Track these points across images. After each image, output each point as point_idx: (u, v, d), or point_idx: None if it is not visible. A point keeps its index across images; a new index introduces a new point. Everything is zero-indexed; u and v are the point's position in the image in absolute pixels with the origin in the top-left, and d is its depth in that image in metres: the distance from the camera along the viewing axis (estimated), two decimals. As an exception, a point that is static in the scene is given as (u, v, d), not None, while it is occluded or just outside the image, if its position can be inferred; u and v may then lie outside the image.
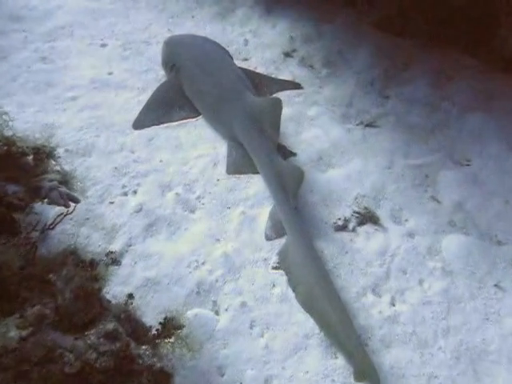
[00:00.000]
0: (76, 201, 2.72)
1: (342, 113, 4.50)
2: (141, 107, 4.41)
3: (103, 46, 5.17)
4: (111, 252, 2.96)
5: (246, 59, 5.28)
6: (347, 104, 4.61)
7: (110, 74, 4.80)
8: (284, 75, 5.03)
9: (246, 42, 5.47)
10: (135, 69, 4.93)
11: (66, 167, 3.54)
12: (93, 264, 1.99)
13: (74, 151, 3.96)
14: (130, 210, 3.56)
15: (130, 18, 5.66)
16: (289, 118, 4.42)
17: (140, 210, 3.57)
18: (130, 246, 3.35)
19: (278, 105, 3.60)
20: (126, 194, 3.69)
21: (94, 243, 3.30)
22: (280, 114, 3.63)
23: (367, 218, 3.50)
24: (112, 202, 3.61)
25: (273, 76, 4.98)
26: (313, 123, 4.38)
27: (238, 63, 4.94)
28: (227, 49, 5.16)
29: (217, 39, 5.21)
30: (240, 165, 3.94)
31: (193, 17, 5.87)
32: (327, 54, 5.30)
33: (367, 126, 4.30)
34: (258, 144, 3.71)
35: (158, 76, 4.88)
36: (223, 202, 3.72)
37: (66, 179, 2.71)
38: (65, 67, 4.79)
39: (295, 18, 5.86)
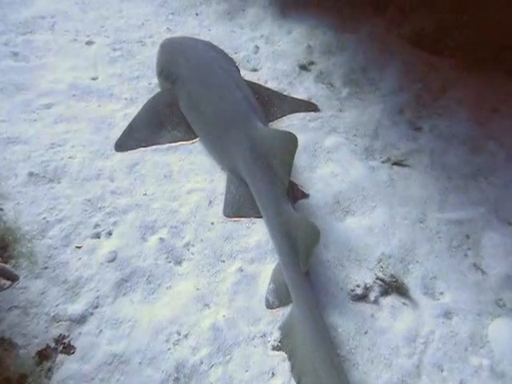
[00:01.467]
0: (13, 278, 2.09)
1: (365, 145, 3.88)
2: (127, 123, 3.80)
3: (89, 43, 4.55)
4: (62, 338, 2.32)
5: (255, 69, 4.66)
6: (372, 135, 3.99)
7: (93, 78, 4.17)
8: (298, 93, 4.40)
9: (257, 49, 4.85)
10: (124, 74, 4.30)
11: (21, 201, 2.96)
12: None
13: (39, 175, 3.34)
14: (102, 258, 2.95)
15: (124, 11, 5.04)
16: (302, 148, 3.80)
17: (113, 258, 2.96)
18: (97, 307, 2.74)
19: (292, 142, 3.00)
20: (98, 236, 3.07)
21: (50, 302, 2.69)
22: (294, 153, 3.04)
23: (393, 287, 2.91)
24: (79, 247, 3.00)
25: (285, 93, 4.34)
26: (330, 157, 3.76)
27: (246, 74, 4.37)
28: (234, 56, 4.57)
29: (223, 44, 4.63)
30: (240, 206, 3.33)
31: (197, 14, 5.24)
32: (349, 71, 4.69)
33: (395, 164, 3.70)
34: (265, 186, 3.10)
35: (150, 85, 4.25)
36: (217, 253, 3.11)
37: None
38: (40, 67, 4.16)
39: (314, 23, 5.25)
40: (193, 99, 3.72)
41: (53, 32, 4.55)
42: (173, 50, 4.09)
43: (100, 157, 3.61)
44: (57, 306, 2.73)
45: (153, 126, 3.84)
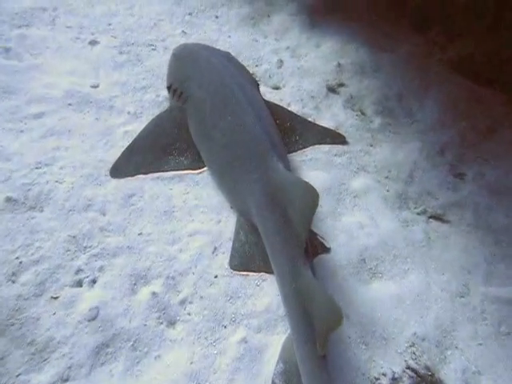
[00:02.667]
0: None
1: (398, 191, 3.41)
2: (127, 143, 3.34)
3: (93, 43, 4.07)
4: None
5: (277, 87, 4.18)
6: (406, 178, 3.51)
7: (94, 86, 3.70)
8: (325, 119, 3.93)
9: (281, 63, 4.36)
10: (129, 83, 3.82)
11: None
12: None
13: (19, 200, 2.90)
14: (80, 314, 2.50)
15: (136, 8, 4.56)
16: (326, 190, 3.33)
17: (95, 316, 2.51)
18: (67, 380, 2.29)
19: (313, 198, 2.53)
20: (79, 284, 2.63)
21: (9, 369, 2.25)
22: (314, 210, 2.58)
23: (427, 381, 2.41)
24: (55, 298, 2.56)
25: (310, 119, 3.83)
26: (357, 202, 3.29)
27: (267, 92, 3.92)
28: (255, 69, 4.18)
29: (243, 54, 4.19)
30: (249, 258, 2.89)
31: (216, 17, 4.76)
32: (383, 97, 4.20)
33: (432, 218, 3.25)
34: (280, 241, 2.65)
35: (158, 97, 3.78)
36: (218, 316, 2.66)
37: None
38: (34, 68, 3.70)
39: (346, 38, 4.75)
40: (205, 124, 3.25)
41: (53, 27, 4.08)
42: (186, 62, 3.62)
43: (92, 183, 3.15)
44: (18, 376, 2.28)
45: (156, 150, 3.38)
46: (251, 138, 3.04)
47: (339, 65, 4.50)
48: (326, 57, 4.61)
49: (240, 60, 4.23)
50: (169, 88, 3.61)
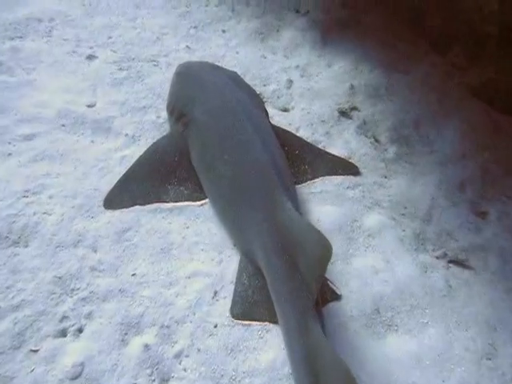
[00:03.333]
0: None
1: (415, 231, 3.16)
2: (123, 169, 3.10)
3: (90, 58, 3.83)
4: None
5: (285, 109, 3.94)
6: (424, 216, 3.27)
7: (90, 105, 3.47)
8: (336, 147, 3.68)
9: (290, 83, 4.12)
10: (128, 102, 3.59)
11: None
12: None
13: (2, 234, 2.72)
14: (62, 371, 2.29)
15: (138, 20, 4.32)
16: (336, 227, 3.09)
17: (79, 373, 2.29)
18: None
19: (326, 251, 2.30)
20: (63, 334, 2.40)
21: None
22: (327, 263, 2.32)
23: None
24: (35, 350, 2.32)
25: (320, 147, 3.59)
26: (371, 243, 3.04)
27: (275, 115, 3.73)
28: (263, 88, 4.00)
29: (250, 71, 3.98)
30: (253, 305, 2.66)
31: (223, 31, 4.52)
32: (399, 123, 3.96)
33: (453, 262, 3.00)
34: (288, 292, 2.45)
35: (158, 119, 3.54)
36: (217, 373, 2.42)
37: None
38: (26, 84, 3.47)
39: (360, 56, 4.51)
40: (207, 153, 3.02)
41: (49, 39, 3.84)
42: (189, 83, 3.38)
43: (83, 215, 2.90)
44: None
45: (155, 179, 3.15)
46: (258, 172, 2.80)
47: (352, 86, 4.26)
48: (338, 77, 4.36)
49: (247, 78, 4.01)
50: (171, 112, 3.36)
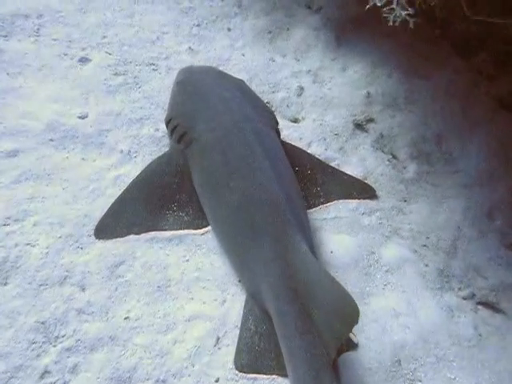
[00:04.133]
0: None
1: (438, 265, 2.92)
2: (118, 191, 2.85)
3: (83, 61, 3.50)
4: None
5: (295, 120, 3.64)
6: (448, 248, 3.00)
7: (81, 117, 3.17)
8: (351, 165, 3.40)
9: (301, 90, 3.81)
10: (124, 112, 3.29)
11: None
12: None
13: (-20, 271, 2.34)
14: None
15: (136, 17, 3.98)
16: (352, 261, 2.84)
17: None
18: None
19: (352, 314, 2.04)
20: (45, 393, 2.10)
21: None
22: (352, 327, 2.04)
23: None
24: (13, 415, 2.02)
25: (334, 165, 3.29)
26: (390, 279, 2.79)
27: (284, 126, 3.53)
28: (271, 96, 3.78)
29: (258, 76, 3.76)
30: (259, 355, 2.43)
31: (229, 30, 4.19)
32: (419, 137, 3.68)
33: (482, 304, 2.76)
34: (301, 348, 2.22)
35: (157, 132, 3.26)
36: None
37: None
38: (11, 91, 3.18)
39: (377, 60, 4.18)
40: (211, 177, 2.74)
41: (36, 39, 3.52)
42: (192, 94, 3.08)
43: (72, 246, 2.63)
44: None
45: (152, 203, 2.88)
46: (268, 204, 2.54)
47: (368, 94, 3.94)
48: (353, 84, 4.04)
49: (254, 85, 3.70)
50: (171, 128, 3.05)
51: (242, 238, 2.59)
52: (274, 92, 3.87)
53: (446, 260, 3.00)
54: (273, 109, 3.74)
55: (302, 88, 3.94)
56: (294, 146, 3.32)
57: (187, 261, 2.77)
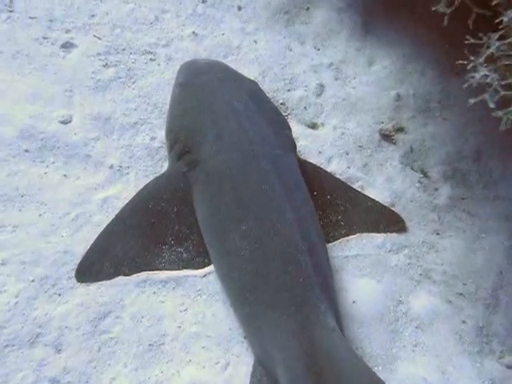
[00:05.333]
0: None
1: (477, 321, 2.62)
2: (105, 217, 2.48)
3: (67, 47, 2.97)
4: None
5: (313, 126, 3.19)
6: (488, 299, 2.68)
7: (64, 121, 2.71)
8: (376, 187, 2.99)
9: (321, 88, 3.31)
10: (115, 116, 2.81)
11: None
12: None
13: None
14: None
15: (132, -8, 3.36)
16: (377, 314, 2.48)
17: None
18: None
19: None
20: None
21: None
22: None
23: None
24: None
25: (357, 187, 2.86)
26: (420, 339, 2.48)
27: (300, 134, 3.08)
28: (287, 95, 3.31)
29: (272, 70, 3.37)
30: None
31: (239, 9, 3.65)
32: (455, 153, 3.26)
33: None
34: None
35: (153, 142, 2.83)
36: None
37: None
38: (-21, 87, 2.60)
39: (409, 52, 3.68)
40: (218, 212, 2.33)
41: (9, 17, 2.98)
42: (196, 102, 2.56)
43: (47, 292, 2.24)
44: None
45: (146, 236, 2.47)
46: (287, 258, 2.15)
47: (398, 97, 3.45)
48: (380, 82, 3.53)
49: (268, 80, 3.25)
50: (170, 139, 2.58)
51: (252, 294, 2.19)
52: (289, 90, 3.37)
53: (485, 314, 2.63)
54: (288, 111, 3.25)
55: (322, 86, 3.44)
56: (313, 166, 2.89)
57: (185, 310, 2.37)
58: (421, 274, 2.75)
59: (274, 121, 2.70)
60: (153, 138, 2.85)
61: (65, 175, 2.60)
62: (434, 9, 2.64)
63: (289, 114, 3.26)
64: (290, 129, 2.83)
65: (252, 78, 3.11)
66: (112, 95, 2.94)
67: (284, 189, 2.29)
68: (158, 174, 2.74)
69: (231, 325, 2.38)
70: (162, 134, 2.82)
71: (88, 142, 2.72)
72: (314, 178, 2.81)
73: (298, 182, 2.47)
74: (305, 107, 3.33)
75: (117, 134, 2.80)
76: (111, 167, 2.69)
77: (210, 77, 2.76)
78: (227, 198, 2.31)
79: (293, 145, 2.73)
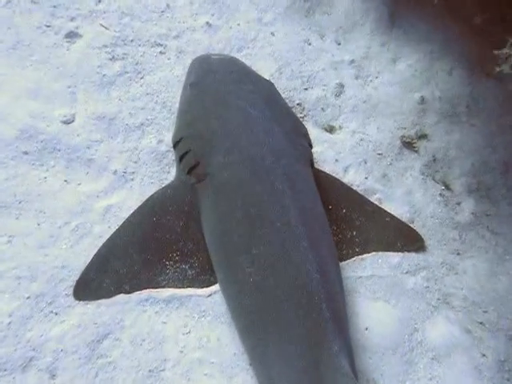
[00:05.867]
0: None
1: (498, 355, 2.48)
2: (107, 228, 2.33)
3: (71, 38, 2.80)
4: None
5: (331, 129, 3.04)
6: (511, 329, 2.42)
7: (66, 121, 2.56)
8: (395, 200, 2.85)
9: (341, 88, 3.13)
10: (121, 115, 2.66)
11: None
12: None
13: None
14: None
15: (143, -26, 3.15)
16: (391, 344, 2.35)
17: None
18: None
19: None
20: None
21: None
22: None
23: None
24: None
25: (374, 200, 2.69)
26: (436, 373, 2.43)
27: (316, 136, 2.91)
28: (304, 94, 3.12)
29: (290, 65, 3.29)
30: None
31: (258, -5, 3.36)
32: (481, 164, 3.09)
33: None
34: None
35: (160, 145, 2.70)
36: None
37: None
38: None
39: (438, 48, 3.55)
40: (228, 231, 2.20)
41: (9, 3, 2.74)
42: (208, 107, 2.39)
43: (43, 311, 2.12)
44: None
45: (150, 251, 2.34)
46: (299, 289, 2.01)
47: (423, 100, 3.25)
48: (404, 83, 3.32)
49: (285, 78, 3.09)
50: (178, 147, 2.41)
51: (260, 324, 2.05)
52: (307, 89, 3.17)
53: (508, 347, 2.47)
54: (305, 112, 3.06)
55: (341, 85, 3.23)
56: (328, 178, 2.72)
57: (188, 333, 2.24)
58: (439, 299, 2.59)
59: (291, 129, 2.51)
60: (160, 141, 2.67)
61: (65, 181, 2.44)
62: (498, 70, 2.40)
63: (305, 116, 3.06)
64: (307, 135, 2.64)
65: (268, 76, 2.91)
66: (118, 92, 2.74)
67: (299, 212, 2.13)
68: (164, 181, 2.56)
69: (236, 350, 2.25)
70: (169, 137, 2.64)
71: (91, 144, 2.55)
72: (329, 190, 2.65)
73: (314, 201, 2.30)
74: (322, 108, 3.14)
75: (122, 136, 2.62)
76: (115, 173, 2.52)
77: (224, 77, 2.56)
78: (237, 219, 2.15)
79: (310, 155, 2.54)
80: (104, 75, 2.77)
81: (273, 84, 2.74)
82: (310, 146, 2.64)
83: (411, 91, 3.33)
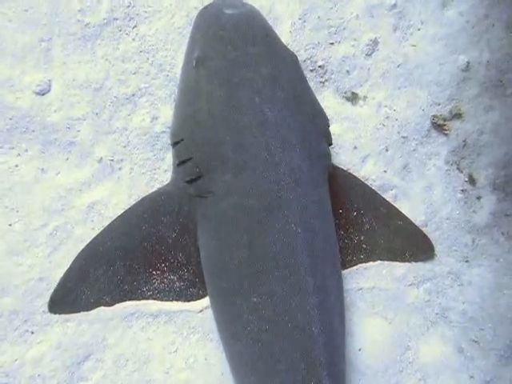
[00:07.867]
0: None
1: (485, 376, 2.39)
2: (91, 232, 2.06)
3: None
4: None
5: (353, 98, 2.67)
6: (504, 350, 2.44)
7: (40, 91, 2.12)
8: (411, 198, 2.59)
9: (374, 45, 2.65)
10: (107, 83, 2.22)
11: None
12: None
13: None
14: None
15: None
16: (382, 364, 2.30)
17: None
18: None
19: None
20: None
21: None
22: None
23: None
24: None
25: (389, 198, 2.42)
26: (421, 397, 2.24)
27: (334, 107, 2.46)
28: (329, 50, 2.64)
29: (317, 11, 2.68)
30: None
31: None
32: (513, 155, 2.67)
33: None
34: None
35: (154, 123, 2.27)
36: None
37: None
38: None
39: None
40: (229, 261, 1.92)
41: None
42: (217, 102, 1.92)
43: (18, 330, 1.95)
44: None
45: (135, 259, 2.06)
46: (299, 350, 1.84)
47: (467, 66, 2.69)
48: (450, 38, 2.76)
49: (309, 28, 2.52)
50: (177, 148, 2.01)
51: (254, 375, 1.89)
52: (333, 44, 2.58)
53: (496, 367, 2.38)
54: (326, 76, 2.55)
55: (376, 42, 2.63)
56: (344, 176, 2.35)
57: (175, 352, 2.09)
58: (437, 314, 2.43)
59: (311, 130, 2.05)
60: (154, 118, 2.19)
61: (42, 169, 2.04)
62: None
63: (325, 81, 2.53)
64: (328, 135, 2.18)
65: (288, 26, 2.34)
66: (104, 49, 2.17)
67: (310, 260, 1.83)
68: (157, 171, 2.17)
69: (223, 370, 2.10)
70: (166, 113, 2.17)
71: (72, 123, 2.08)
72: (343, 190, 2.31)
73: (328, 237, 1.98)
74: (347, 70, 2.58)
75: (109, 112, 2.14)
76: (100, 160, 2.11)
77: (239, 54, 2.00)
78: (240, 257, 1.85)
79: (328, 162, 2.12)
80: (87, 24, 2.15)
81: (297, 59, 2.16)
82: (330, 143, 2.18)
83: (456, 52, 2.73)
